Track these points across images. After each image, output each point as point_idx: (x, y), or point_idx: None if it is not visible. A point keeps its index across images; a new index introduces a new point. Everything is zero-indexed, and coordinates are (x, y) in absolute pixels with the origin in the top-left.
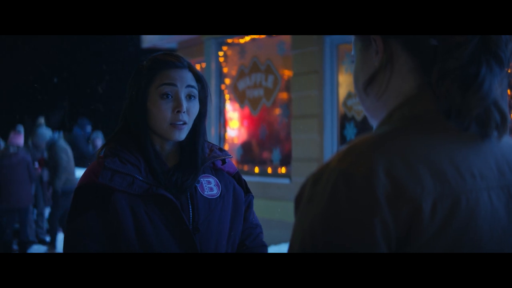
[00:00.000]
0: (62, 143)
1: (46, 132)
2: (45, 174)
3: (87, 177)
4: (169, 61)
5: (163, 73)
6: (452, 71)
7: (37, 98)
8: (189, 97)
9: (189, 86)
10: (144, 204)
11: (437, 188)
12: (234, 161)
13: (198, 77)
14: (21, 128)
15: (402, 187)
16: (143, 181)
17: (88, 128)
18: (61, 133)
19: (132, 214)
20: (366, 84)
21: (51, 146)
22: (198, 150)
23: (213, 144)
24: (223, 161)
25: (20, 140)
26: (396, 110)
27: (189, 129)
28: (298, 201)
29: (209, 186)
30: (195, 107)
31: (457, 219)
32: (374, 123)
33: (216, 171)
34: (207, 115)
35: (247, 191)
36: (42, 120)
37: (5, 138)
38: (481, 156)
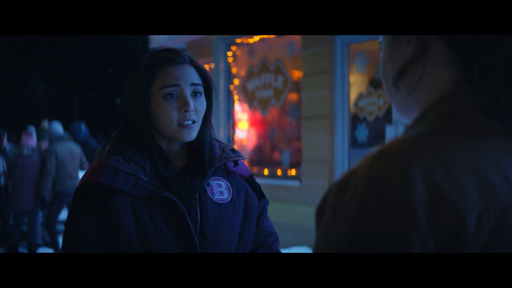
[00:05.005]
0: (53, 147)
1: (56, 127)
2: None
3: (88, 177)
4: (169, 57)
5: (164, 71)
6: (496, 65)
7: (44, 100)
8: (195, 94)
9: (193, 84)
10: (148, 207)
11: (483, 199)
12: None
13: (201, 71)
14: (32, 130)
15: (443, 197)
16: (148, 182)
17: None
18: (66, 134)
19: (134, 218)
20: (397, 77)
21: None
22: (205, 148)
23: (225, 144)
24: (235, 163)
25: (32, 141)
26: (430, 108)
27: (199, 127)
28: (320, 213)
29: (220, 190)
30: (202, 104)
31: (506, 234)
32: (405, 121)
33: (227, 174)
34: (216, 115)
35: (261, 195)
36: (46, 123)
37: (16, 141)
38: None
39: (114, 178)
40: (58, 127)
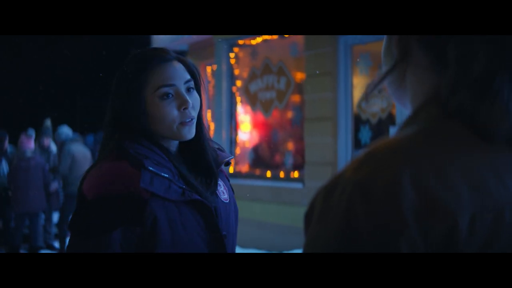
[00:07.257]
0: (70, 147)
1: (65, 132)
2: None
3: (113, 183)
4: (157, 56)
5: (156, 71)
6: (466, 77)
7: (47, 101)
8: (188, 90)
9: (186, 81)
10: (178, 211)
11: (476, 200)
12: (246, 165)
13: (188, 67)
14: (32, 132)
15: (432, 200)
16: (178, 185)
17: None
18: (77, 135)
19: (169, 224)
20: (386, 75)
21: (61, 149)
22: (207, 146)
23: (212, 142)
24: (227, 163)
25: (31, 144)
26: (422, 108)
27: (195, 123)
28: (308, 219)
29: (221, 190)
30: (197, 100)
31: (502, 235)
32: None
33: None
34: (218, 117)
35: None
36: (48, 122)
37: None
38: None
39: (152, 183)
40: (67, 131)
